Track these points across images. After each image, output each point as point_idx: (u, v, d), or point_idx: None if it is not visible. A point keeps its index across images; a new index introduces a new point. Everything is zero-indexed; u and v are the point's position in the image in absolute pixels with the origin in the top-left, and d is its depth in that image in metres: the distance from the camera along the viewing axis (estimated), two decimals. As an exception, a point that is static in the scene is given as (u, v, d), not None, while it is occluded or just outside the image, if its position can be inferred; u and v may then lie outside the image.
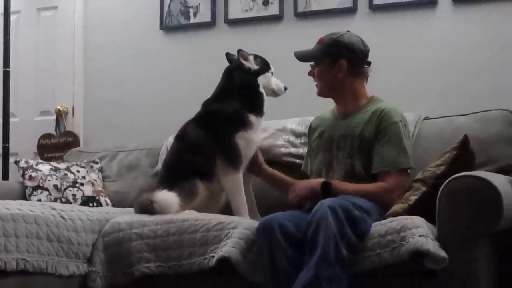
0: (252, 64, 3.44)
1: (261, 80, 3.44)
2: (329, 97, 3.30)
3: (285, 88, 3.51)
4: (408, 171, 3.09)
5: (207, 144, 3.36)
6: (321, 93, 3.30)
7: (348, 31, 3.29)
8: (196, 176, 3.32)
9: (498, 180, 2.65)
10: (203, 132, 3.40)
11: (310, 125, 3.48)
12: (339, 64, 3.20)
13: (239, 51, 3.41)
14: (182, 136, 3.51)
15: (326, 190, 3.00)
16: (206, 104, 3.49)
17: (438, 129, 3.47)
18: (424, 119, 3.57)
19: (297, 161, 3.63)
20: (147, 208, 3.22)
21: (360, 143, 3.11)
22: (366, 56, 3.26)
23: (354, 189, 3.00)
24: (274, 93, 3.50)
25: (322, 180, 3.08)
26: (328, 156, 3.21)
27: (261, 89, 3.43)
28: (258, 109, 3.39)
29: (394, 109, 3.16)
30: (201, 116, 3.48)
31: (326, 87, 3.26)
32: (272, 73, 3.48)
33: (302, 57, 3.30)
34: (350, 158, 3.12)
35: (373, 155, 3.08)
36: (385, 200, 2.96)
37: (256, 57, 3.47)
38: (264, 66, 3.47)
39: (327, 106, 3.39)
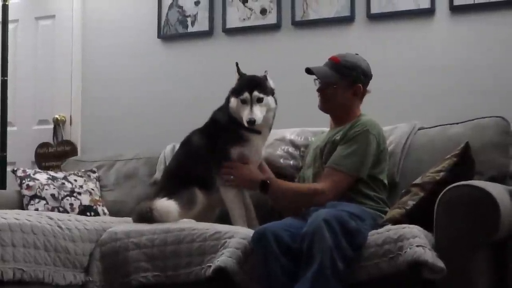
0: (235, 82, 3.37)
1: (231, 101, 3.32)
2: (330, 114, 3.39)
3: (250, 121, 3.19)
4: (350, 177, 3.13)
5: (208, 153, 3.37)
6: (324, 109, 3.38)
7: (357, 54, 3.37)
8: (195, 185, 3.33)
9: (495, 189, 2.65)
10: (205, 141, 3.41)
11: (311, 142, 3.57)
12: (356, 88, 3.31)
13: (236, 64, 3.37)
14: (186, 143, 3.52)
15: (264, 189, 3.22)
16: (213, 113, 3.49)
17: (430, 139, 3.48)
18: (419, 129, 3.58)
19: (296, 173, 3.63)
20: (147, 215, 3.22)
21: (332, 148, 3.21)
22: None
23: (289, 189, 3.23)
24: (242, 122, 3.26)
25: (261, 177, 3.26)
26: (316, 166, 3.30)
27: (230, 110, 3.31)
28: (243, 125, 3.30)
29: (371, 121, 3.24)
30: (206, 124, 3.49)
31: (334, 106, 3.34)
32: (244, 100, 3.24)
33: (321, 76, 3.30)
34: (325, 164, 3.22)
35: None
36: (315, 202, 3.01)
37: (240, 78, 3.34)
38: (237, 90, 3.30)
39: (326, 116, 3.40)
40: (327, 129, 3.51)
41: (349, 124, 3.24)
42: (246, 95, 3.25)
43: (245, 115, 3.24)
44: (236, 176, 3.29)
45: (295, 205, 3.25)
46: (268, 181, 3.23)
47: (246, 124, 3.24)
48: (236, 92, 3.30)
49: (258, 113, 3.23)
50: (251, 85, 3.27)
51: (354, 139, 3.16)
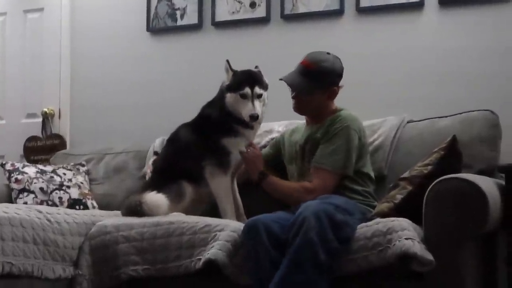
0: (226, 79, 3.36)
1: (227, 96, 3.31)
2: (307, 115, 3.37)
3: (253, 117, 3.23)
4: (336, 175, 3.14)
5: (197, 147, 3.37)
6: (301, 112, 3.36)
7: (328, 53, 3.31)
8: (184, 179, 3.34)
9: (484, 182, 2.66)
10: (194, 136, 3.41)
11: (284, 134, 3.57)
12: (332, 91, 3.30)
13: (227, 61, 3.37)
14: (174, 139, 3.52)
15: (260, 179, 3.26)
16: (202, 108, 3.49)
17: (420, 132, 3.50)
18: (408, 122, 3.59)
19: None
20: (136, 209, 3.23)
21: (314, 146, 3.22)
22: None
23: (281, 187, 3.24)
24: (241, 117, 3.29)
25: (262, 169, 3.29)
26: (298, 164, 3.31)
27: (227, 106, 3.31)
28: (239, 120, 3.32)
29: (351, 116, 3.24)
30: (194, 120, 3.48)
31: (310, 110, 3.33)
32: (244, 95, 3.26)
33: (295, 87, 3.27)
34: (309, 162, 3.24)
35: None
36: (305, 200, 2.96)
37: (235, 74, 3.34)
38: (235, 85, 3.30)
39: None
40: None
41: (328, 120, 3.25)
42: (247, 90, 3.26)
43: (246, 110, 3.25)
44: (251, 153, 3.32)
45: (285, 201, 3.26)
46: (267, 173, 3.26)
47: (248, 119, 3.25)
48: (234, 87, 3.30)
49: (259, 108, 3.26)
50: (251, 81, 3.29)
51: (336, 136, 3.17)
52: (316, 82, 3.24)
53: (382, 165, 3.44)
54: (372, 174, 3.28)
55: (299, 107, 3.33)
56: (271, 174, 3.29)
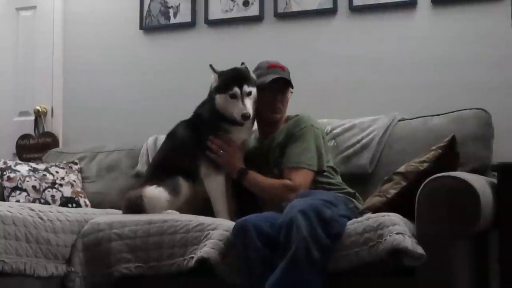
0: (213, 81, 3.34)
1: (217, 98, 3.28)
2: (279, 120, 3.37)
3: (245, 116, 3.20)
4: (312, 172, 3.18)
5: (193, 145, 3.37)
6: (282, 115, 3.37)
7: None
8: (180, 175, 3.33)
9: (476, 180, 2.67)
10: (190, 133, 3.41)
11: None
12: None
13: (210, 65, 3.35)
14: (171, 135, 3.52)
15: (241, 177, 3.24)
16: (197, 107, 3.49)
17: (413, 130, 3.51)
18: (400, 120, 3.60)
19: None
20: (136, 202, 3.25)
21: (278, 151, 3.25)
22: None
23: (262, 184, 3.21)
24: (233, 117, 3.26)
25: (242, 165, 3.27)
26: (265, 173, 3.28)
27: (218, 107, 3.28)
28: (230, 120, 3.30)
29: (310, 117, 3.30)
30: (191, 117, 3.48)
31: (285, 112, 3.37)
32: (233, 95, 3.22)
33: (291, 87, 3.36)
34: (277, 168, 3.25)
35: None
36: (287, 198, 2.98)
37: (222, 74, 3.30)
38: (223, 86, 3.26)
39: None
40: None
41: (287, 124, 3.30)
42: (236, 90, 3.23)
43: (238, 110, 3.22)
44: (222, 154, 3.28)
45: (267, 198, 3.26)
46: (247, 170, 3.25)
47: (240, 119, 3.23)
48: (222, 88, 3.27)
49: (250, 106, 3.25)
50: (239, 79, 3.26)
51: (303, 136, 3.21)
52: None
53: (365, 163, 3.47)
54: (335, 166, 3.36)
55: (282, 111, 3.35)
56: (251, 171, 3.26)
